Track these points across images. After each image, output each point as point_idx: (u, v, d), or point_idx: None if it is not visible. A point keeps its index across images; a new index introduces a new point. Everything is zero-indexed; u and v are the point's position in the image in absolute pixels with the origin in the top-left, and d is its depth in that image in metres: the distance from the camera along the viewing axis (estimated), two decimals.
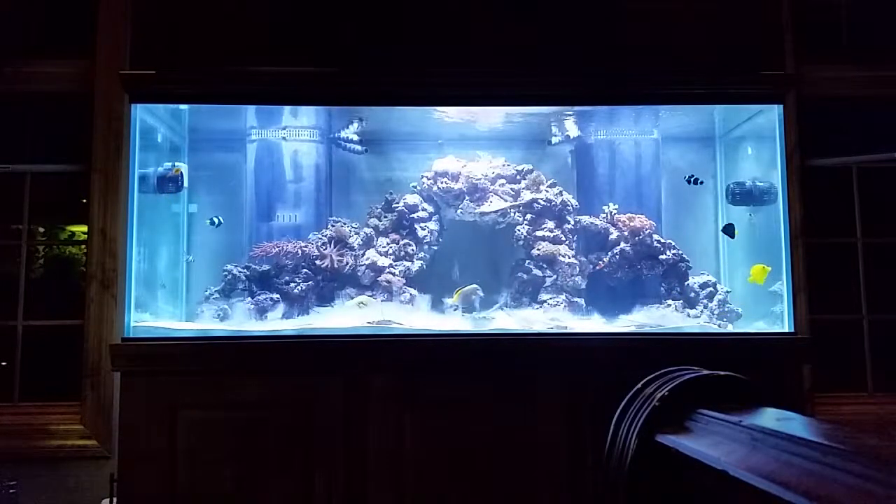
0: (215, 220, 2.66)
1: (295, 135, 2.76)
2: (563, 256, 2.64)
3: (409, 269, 2.66)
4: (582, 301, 2.61)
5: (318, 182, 2.78)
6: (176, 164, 2.59)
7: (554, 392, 2.19)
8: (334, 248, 2.64)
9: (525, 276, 2.65)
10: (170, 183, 2.54)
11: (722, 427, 0.79)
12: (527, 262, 2.67)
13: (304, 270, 2.62)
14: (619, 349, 2.22)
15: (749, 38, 2.38)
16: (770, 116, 2.47)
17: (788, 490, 0.56)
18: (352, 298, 2.59)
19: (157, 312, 2.53)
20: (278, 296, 2.58)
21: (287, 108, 2.73)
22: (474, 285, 2.59)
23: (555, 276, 2.64)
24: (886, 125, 3.13)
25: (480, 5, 2.39)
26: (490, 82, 2.35)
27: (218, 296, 2.59)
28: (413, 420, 2.18)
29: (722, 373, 0.95)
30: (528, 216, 2.73)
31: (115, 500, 2.22)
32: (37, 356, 2.94)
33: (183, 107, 2.66)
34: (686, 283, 2.67)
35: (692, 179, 2.56)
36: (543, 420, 2.18)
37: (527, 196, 2.76)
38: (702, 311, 2.59)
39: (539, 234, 2.69)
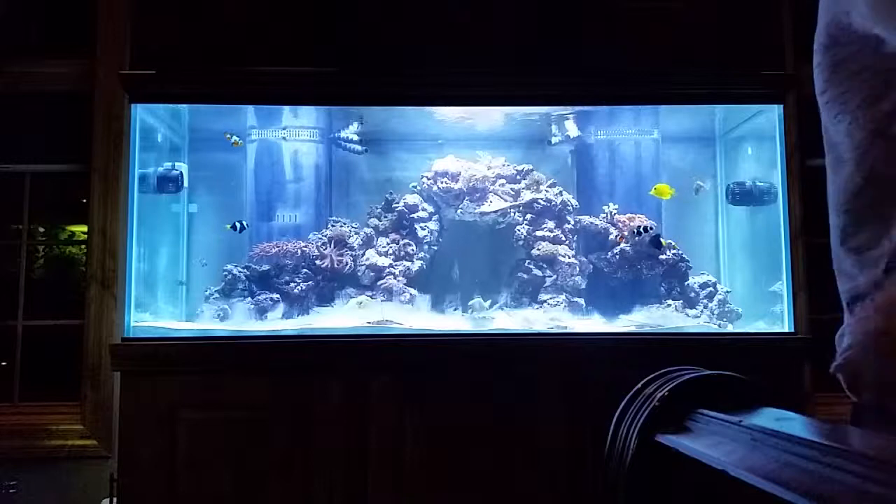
0: (238, 224, 2.57)
1: (295, 135, 2.76)
2: (563, 256, 2.64)
3: (408, 269, 2.66)
4: (582, 301, 2.61)
5: (317, 182, 2.78)
6: (176, 164, 2.59)
7: (554, 392, 2.19)
8: (334, 248, 2.64)
9: (525, 276, 2.65)
10: (170, 183, 2.55)
11: (722, 427, 0.79)
12: (527, 261, 2.67)
13: (304, 270, 2.62)
14: (619, 349, 2.22)
15: (749, 38, 2.38)
16: (770, 116, 2.47)
17: (788, 490, 0.56)
18: (352, 298, 2.59)
19: (157, 312, 2.53)
20: (278, 296, 2.58)
21: (287, 108, 2.73)
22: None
23: (555, 276, 2.64)
24: None
25: (480, 5, 2.39)
26: (490, 82, 2.34)
27: (218, 296, 2.59)
28: (413, 420, 2.18)
29: (722, 373, 0.95)
30: (528, 216, 2.73)
31: (115, 500, 2.22)
32: (37, 356, 2.94)
33: (183, 107, 2.66)
34: (686, 283, 2.67)
35: (646, 231, 2.58)
36: (543, 420, 2.18)
37: (527, 196, 2.76)
38: (702, 311, 2.59)
39: (539, 234, 2.69)
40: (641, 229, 2.57)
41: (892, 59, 0.90)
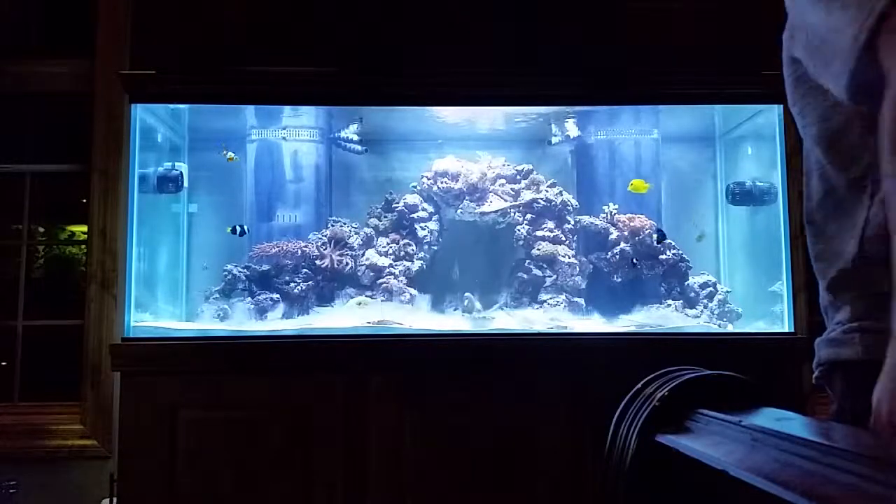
0: (238, 228, 2.56)
1: (295, 135, 2.76)
2: (563, 256, 2.64)
3: (409, 269, 2.66)
4: (582, 301, 2.61)
5: (318, 182, 2.78)
6: (176, 164, 2.59)
7: (554, 392, 2.19)
8: (334, 248, 2.64)
9: (525, 276, 2.65)
10: (170, 183, 2.55)
11: (722, 427, 0.79)
12: (527, 261, 2.67)
13: (304, 270, 2.62)
14: (619, 349, 2.22)
15: (749, 38, 2.38)
16: (770, 116, 2.47)
17: (788, 490, 0.56)
18: (352, 298, 2.59)
19: (157, 312, 2.53)
20: (278, 296, 2.58)
21: (287, 108, 2.73)
22: None
23: (555, 276, 2.64)
24: None
25: (480, 5, 2.39)
26: (490, 82, 2.34)
27: (218, 296, 2.59)
28: (413, 420, 2.18)
29: (722, 373, 0.96)
30: (528, 216, 2.73)
31: (115, 500, 2.22)
32: (37, 356, 2.94)
33: (183, 107, 2.66)
34: (686, 283, 2.67)
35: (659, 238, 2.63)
36: (543, 420, 2.18)
37: (527, 196, 2.76)
38: (702, 311, 2.59)
39: (539, 233, 2.69)
40: (632, 262, 2.61)
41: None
